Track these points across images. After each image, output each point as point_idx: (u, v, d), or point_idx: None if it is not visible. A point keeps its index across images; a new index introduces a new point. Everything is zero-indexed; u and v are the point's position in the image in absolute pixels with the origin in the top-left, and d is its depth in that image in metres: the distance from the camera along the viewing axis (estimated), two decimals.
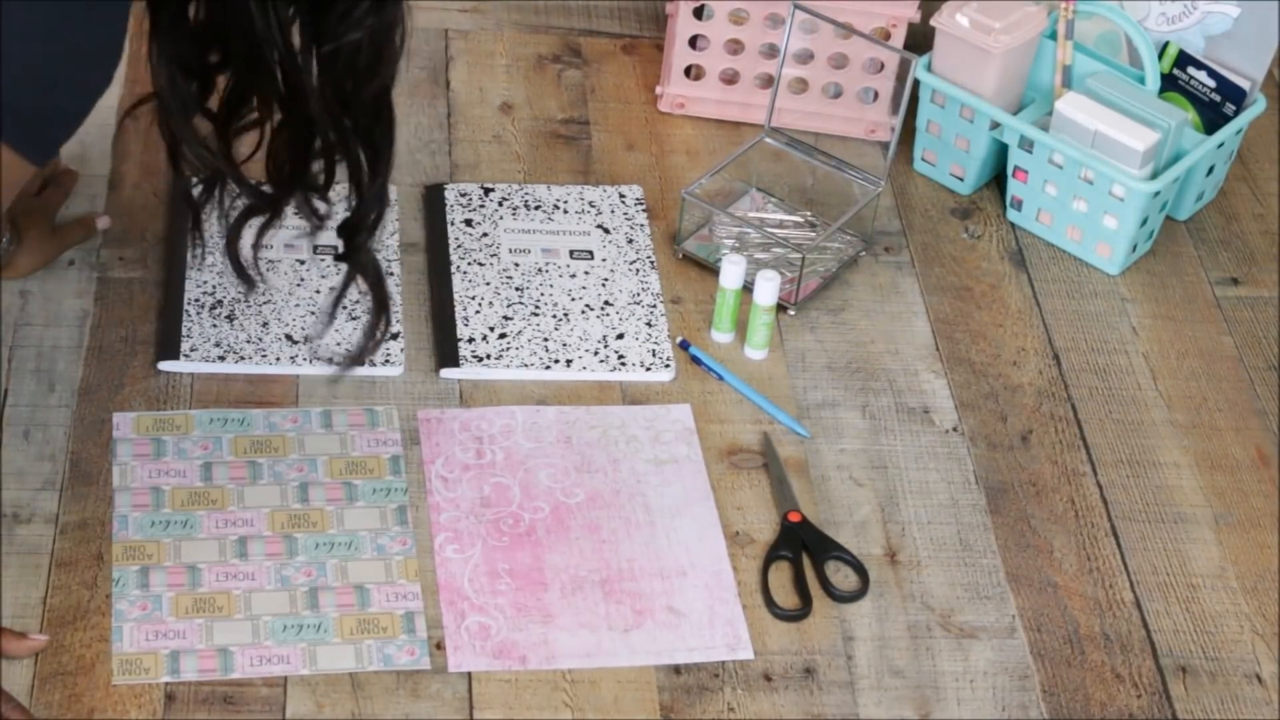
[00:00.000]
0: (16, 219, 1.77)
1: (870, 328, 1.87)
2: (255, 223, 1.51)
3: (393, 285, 1.83)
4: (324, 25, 1.35)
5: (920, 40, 2.04)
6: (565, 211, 1.94)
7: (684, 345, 1.82)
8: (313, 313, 1.78)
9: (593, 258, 1.89)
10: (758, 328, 1.80)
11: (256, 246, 1.52)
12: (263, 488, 1.64)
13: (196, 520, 1.60)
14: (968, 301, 1.91)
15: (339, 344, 1.76)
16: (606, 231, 1.92)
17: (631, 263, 1.89)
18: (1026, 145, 1.95)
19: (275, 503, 1.62)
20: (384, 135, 1.43)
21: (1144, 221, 1.93)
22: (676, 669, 1.54)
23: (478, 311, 1.82)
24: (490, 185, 1.96)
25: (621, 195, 1.97)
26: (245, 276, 1.54)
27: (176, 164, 1.46)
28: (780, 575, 1.63)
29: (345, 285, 1.53)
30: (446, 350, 1.77)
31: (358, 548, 1.60)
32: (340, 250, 1.50)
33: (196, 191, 1.51)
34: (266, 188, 1.47)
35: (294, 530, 1.60)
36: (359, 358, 1.60)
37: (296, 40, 1.36)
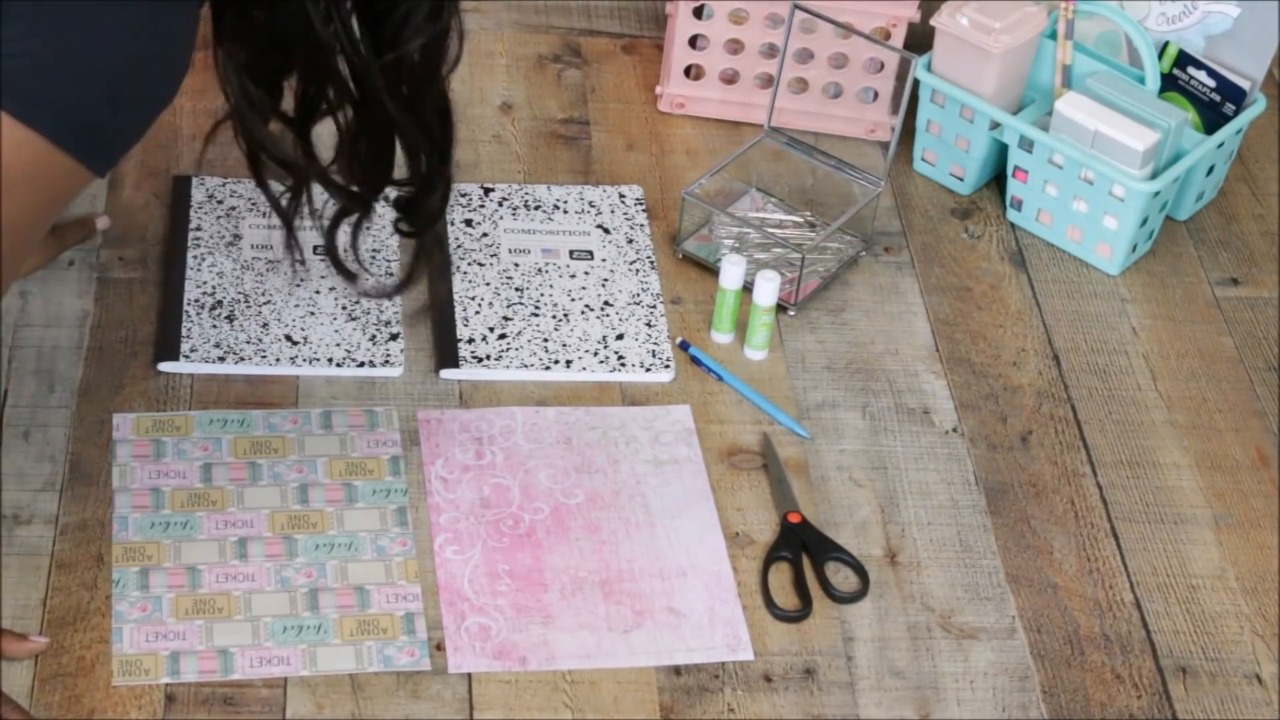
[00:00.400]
0: None
1: (870, 328, 1.87)
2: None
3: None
4: (383, 34, 1.35)
5: (920, 40, 2.04)
6: (565, 211, 1.94)
7: (684, 346, 1.82)
8: (312, 313, 1.78)
9: (593, 258, 1.89)
10: (757, 328, 1.80)
11: (354, 246, 1.51)
12: (262, 489, 1.64)
13: (196, 521, 1.60)
14: (968, 302, 1.91)
15: (339, 344, 1.76)
16: (606, 232, 1.92)
17: (631, 263, 1.89)
18: (1026, 145, 1.95)
19: (275, 504, 1.63)
20: (445, 127, 1.43)
21: (1144, 221, 1.93)
22: (676, 670, 1.55)
23: (477, 312, 1.82)
24: (490, 185, 1.96)
25: (621, 195, 1.97)
26: (349, 275, 1.53)
27: (259, 171, 1.45)
28: (780, 576, 1.63)
29: (418, 258, 1.52)
30: (446, 351, 1.77)
31: (358, 549, 1.60)
32: (408, 228, 1.50)
33: (284, 200, 1.48)
34: (353, 188, 1.47)
35: (294, 531, 1.60)
36: (409, 280, 1.56)
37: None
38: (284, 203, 1.47)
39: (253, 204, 1.87)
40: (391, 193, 1.49)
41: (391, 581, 1.57)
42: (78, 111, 1.26)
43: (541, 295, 1.84)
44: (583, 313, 1.83)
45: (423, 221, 1.50)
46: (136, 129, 1.32)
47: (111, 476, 1.63)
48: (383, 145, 1.44)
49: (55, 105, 1.25)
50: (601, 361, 1.78)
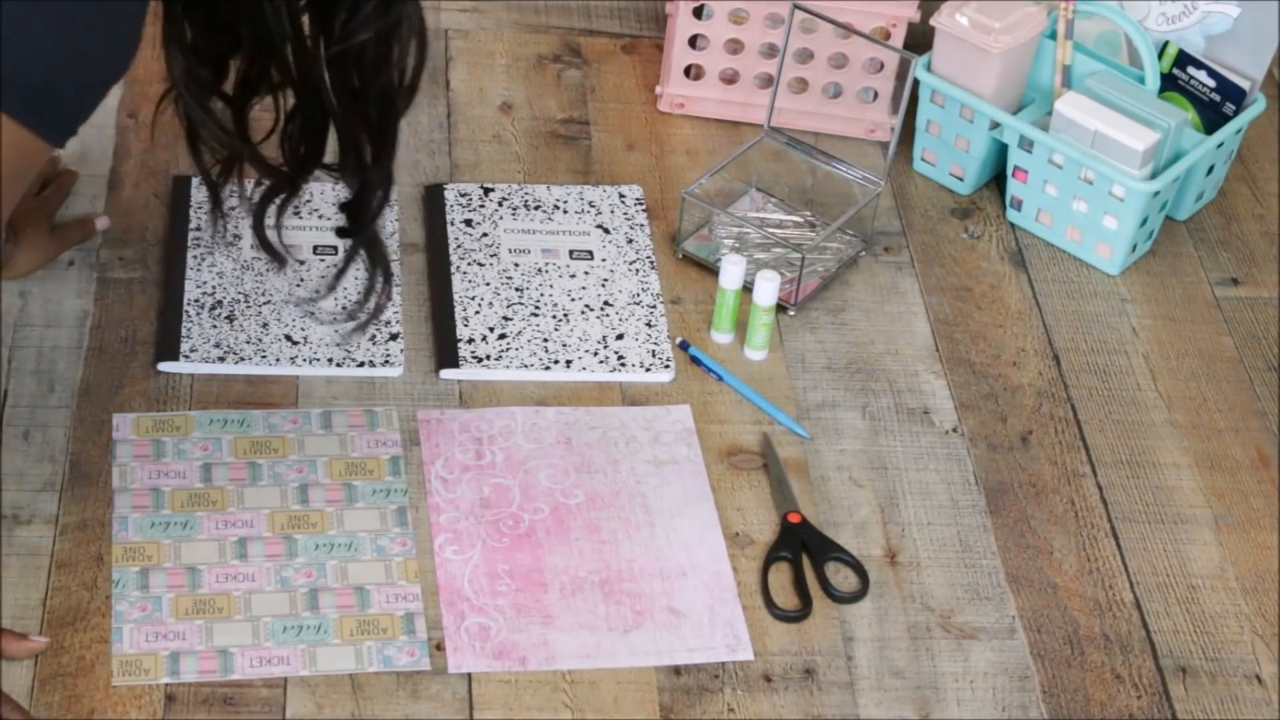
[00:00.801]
0: (15, 219, 1.77)
1: (870, 328, 1.87)
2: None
3: (393, 285, 1.83)
4: (331, 25, 1.35)
5: (920, 40, 2.04)
6: (565, 211, 1.94)
7: (684, 346, 1.82)
8: (313, 314, 1.78)
9: (592, 258, 1.89)
10: (757, 328, 1.80)
11: (279, 224, 1.52)
12: (262, 489, 1.64)
13: (196, 521, 1.60)
14: (968, 302, 1.91)
15: (339, 344, 1.76)
16: (606, 231, 1.92)
17: (631, 263, 1.89)
18: (1026, 145, 1.95)
19: (275, 504, 1.63)
20: (386, 124, 1.44)
21: (1144, 221, 1.93)
22: (676, 670, 1.55)
23: (477, 312, 1.82)
24: (490, 185, 1.96)
25: (621, 195, 1.97)
26: (275, 254, 1.54)
27: (196, 149, 1.47)
28: (780, 576, 1.63)
29: (349, 260, 1.53)
30: (446, 351, 1.77)
31: (358, 549, 1.60)
32: (346, 227, 1.50)
33: (215, 173, 1.51)
34: (284, 167, 1.48)
35: (294, 531, 1.60)
36: (364, 319, 1.58)
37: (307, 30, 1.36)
38: (215, 176, 1.49)
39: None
40: (339, 193, 1.50)
41: (391, 581, 1.57)
42: (31, 83, 1.27)
43: (541, 295, 1.84)
44: (583, 313, 1.83)
45: (358, 221, 1.50)
46: (92, 99, 1.33)
47: (111, 476, 1.63)
48: (317, 130, 1.44)
49: (8, 78, 1.26)
50: (601, 361, 1.78)
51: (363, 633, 1.53)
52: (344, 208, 1.50)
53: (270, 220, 1.51)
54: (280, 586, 1.56)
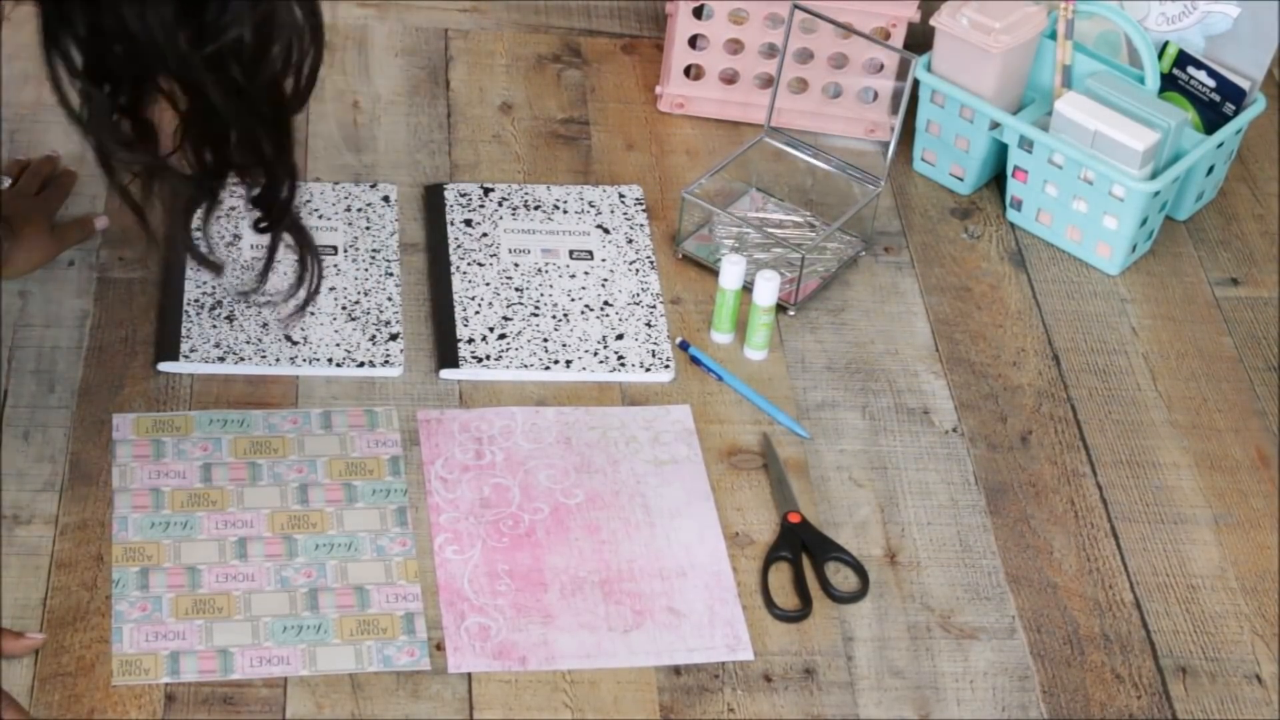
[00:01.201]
0: (14, 218, 1.77)
1: (870, 328, 1.87)
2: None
3: (393, 285, 1.83)
4: (202, 23, 1.33)
5: (920, 40, 2.04)
6: (565, 211, 1.94)
7: (684, 346, 1.82)
8: (312, 313, 1.78)
9: (592, 258, 1.89)
10: (757, 328, 1.80)
11: (205, 233, 1.49)
12: (262, 489, 1.64)
13: (196, 521, 1.60)
14: (967, 302, 1.91)
15: (338, 344, 1.76)
16: (606, 232, 1.92)
17: (631, 263, 1.89)
18: (1026, 145, 1.95)
19: (275, 504, 1.63)
20: (285, 118, 1.41)
21: (1144, 221, 1.93)
22: (676, 670, 1.55)
23: (477, 312, 1.82)
24: (490, 185, 1.96)
25: (621, 195, 1.97)
26: (209, 264, 1.52)
27: (109, 167, 1.44)
28: (780, 576, 1.63)
29: (273, 250, 1.50)
30: (446, 351, 1.77)
31: (357, 549, 1.60)
32: (261, 222, 1.49)
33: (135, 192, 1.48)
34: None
35: (294, 531, 1.61)
36: (301, 304, 1.55)
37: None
38: (135, 193, 1.46)
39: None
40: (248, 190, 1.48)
41: (391, 581, 1.57)
42: None
43: (541, 295, 1.84)
44: (582, 313, 1.83)
45: (273, 214, 1.49)
46: None
47: (111, 476, 1.63)
48: (217, 133, 1.41)
49: None
50: (601, 361, 1.78)
51: (363, 632, 1.53)
52: (253, 202, 1.48)
53: (199, 227, 1.49)
54: (280, 586, 1.56)
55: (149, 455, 1.65)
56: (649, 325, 1.83)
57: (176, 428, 1.68)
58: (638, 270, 1.88)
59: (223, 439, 1.67)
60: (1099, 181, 1.91)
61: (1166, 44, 2.00)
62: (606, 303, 1.84)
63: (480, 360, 1.77)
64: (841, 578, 1.63)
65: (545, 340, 1.80)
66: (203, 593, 1.55)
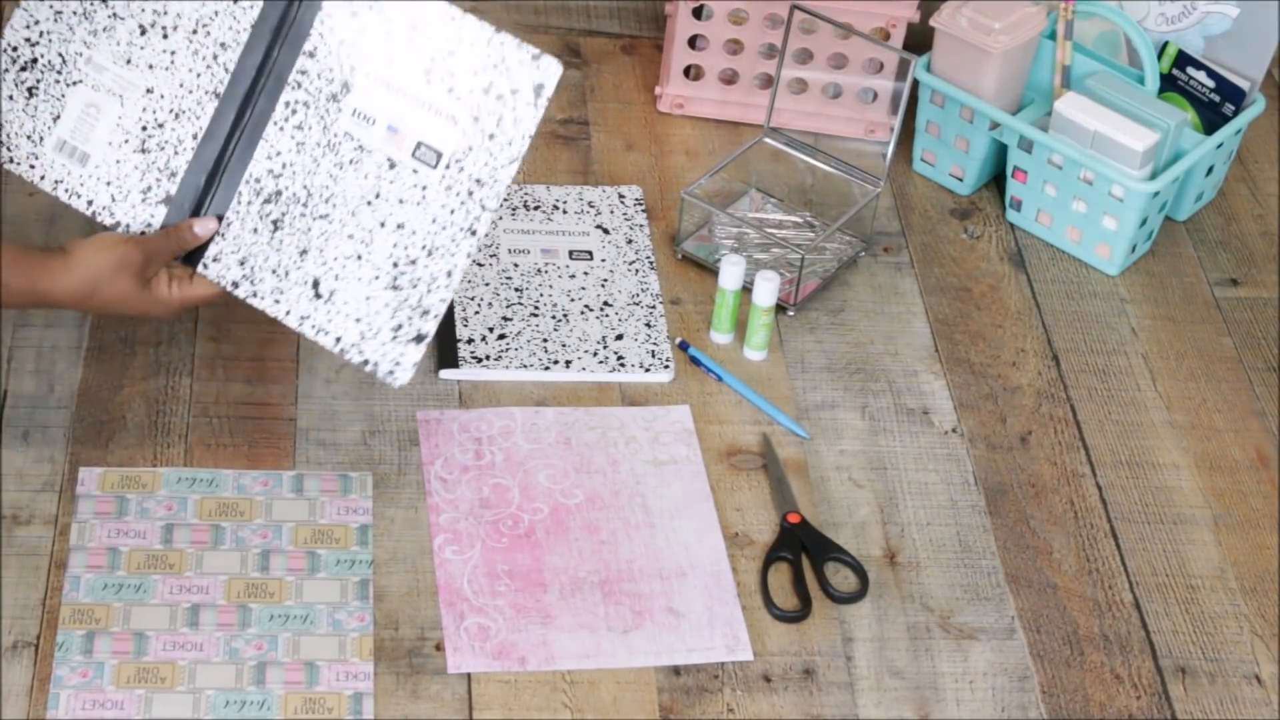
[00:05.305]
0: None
1: (870, 328, 1.87)
2: None
3: None
4: None
5: (920, 40, 2.05)
6: (564, 212, 1.94)
7: (683, 346, 1.82)
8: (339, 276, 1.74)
9: (592, 258, 1.89)
10: (757, 328, 1.80)
11: None
12: (223, 553, 1.58)
13: (151, 584, 1.55)
14: (967, 302, 1.91)
15: (357, 320, 1.75)
16: (606, 232, 1.92)
17: (631, 263, 1.89)
18: (1026, 145, 1.95)
19: (234, 569, 1.57)
20: None
21: (1143, 222, 1.93)
22: (676, 670, 1.55)
23: (477, 312, 1.82)
24: None
25: (621, 195, 1.97)
26: None
27: None
28: (779, 576, 1.63)
29: None
30: (445, 351, 1.77)
31: (313, 621, 1.54)
32: None
33: None
34: None
35: (250, 600, 1.55)
36: None
37: None
38: None
39: None
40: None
41: (344, 658, 1.52)
42: None
43: (541, 295, 1.84)
44: (582, 313, 1.83)
45: None
46: None
47: (70, 533, 1.58)
48: None
49: None
50: (601, 362, 1.79)
51: (307, 712, 1.48)
52: None
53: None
54: (228, 658, 1.51)
55: (111, 512, 1.60)
56: (648, 325, 1.83)
57: (143, 484, 1.63)
58: (637, 270, 1.88)
59: (189, 499, 1.62)
60: (1098, 182, 1.91)
61: (1166, 44, 2.00)
62: (606, 303, 1.84)
63: (480, 360, 1.77)
64: (841, 578, 1.63)
65: (545, 340, 1.80)
66: (148, 660, 1.50)
